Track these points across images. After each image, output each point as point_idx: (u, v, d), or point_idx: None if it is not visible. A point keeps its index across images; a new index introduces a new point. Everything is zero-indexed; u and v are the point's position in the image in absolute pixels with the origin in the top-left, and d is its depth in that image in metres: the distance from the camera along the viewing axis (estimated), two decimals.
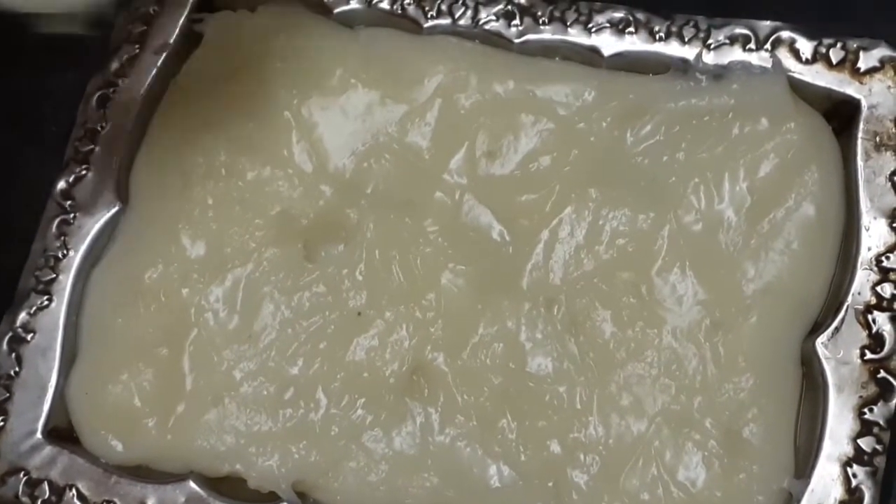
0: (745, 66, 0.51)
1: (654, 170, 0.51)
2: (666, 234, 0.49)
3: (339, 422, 0.49)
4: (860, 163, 0.49)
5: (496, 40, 0.54)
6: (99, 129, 0.56)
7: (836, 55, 0.50)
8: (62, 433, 0.52)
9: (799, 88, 0.50)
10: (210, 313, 0.52)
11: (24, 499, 0.50)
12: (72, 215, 0.54)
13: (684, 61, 0.51)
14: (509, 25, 0.54)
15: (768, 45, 0.51)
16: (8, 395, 0.52)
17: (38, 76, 0.61)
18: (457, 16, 0.54)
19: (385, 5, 0.55)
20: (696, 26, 0.52)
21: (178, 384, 0.51)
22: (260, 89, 0.55)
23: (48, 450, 0.51)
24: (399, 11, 0.55)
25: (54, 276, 0.53)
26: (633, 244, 0.50)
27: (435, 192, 0.52)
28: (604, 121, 0.51)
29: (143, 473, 0.50)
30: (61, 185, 0.55)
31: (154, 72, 0.56)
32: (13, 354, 0.52)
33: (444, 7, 0.55)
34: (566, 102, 0.52)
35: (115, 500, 0.49)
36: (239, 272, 0.52)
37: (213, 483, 0.50)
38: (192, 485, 0.49)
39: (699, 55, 0.51)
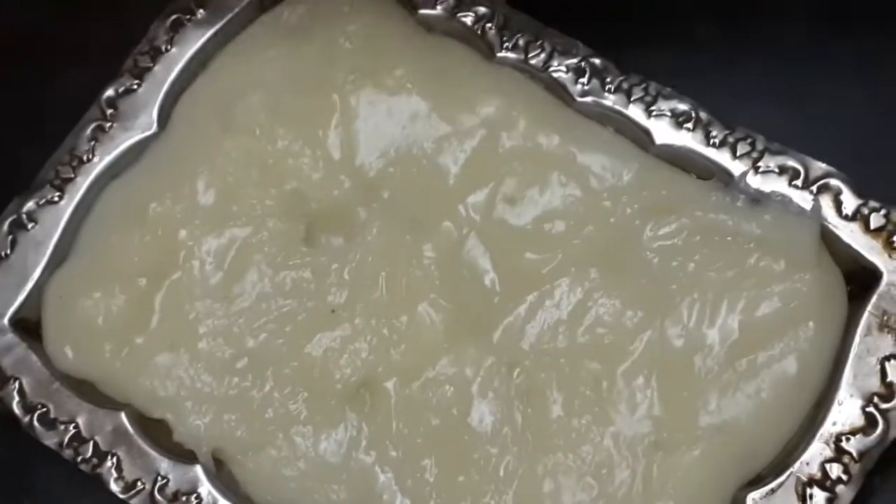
0: (785, 202, 0.50)
1: (659, 271, 0.50)
2: (646, 339, 0.49)
3: (276, 407, 0.50)
4: (858, 336, 0.48)
5: (559, 91, 0.54)
6: (164, 49, 0.57)
7: (875, 220, 0.49)
8: (28, 326, 0.54)
9: (829, 239, 0.50)
10: (197, 262, 0.53)
11: None
12: (109, 124, 0.56)
13: (729, 174, 0.51)
14: (576, 81, 0.54)
15: (814, 188, 0.50)
16: None
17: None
18: (530, 55, 0.55)
19: (468, 20, 0.56)
20: (752, 144, 0.51)
21: (144, 318, 0.52)
22: (318, 62, 0.56)
23: (9, 337, 0.53)
24: (478, 32, 0.56)
25: (73, 176, 0.55)
26: (611, 337, 0.50)
27: (444, 221, 0.52)
28: (630, 207, 0.51)
29: (86, 391, 0.52)
30: (109, 92, 0.57)
31: (232, 13, 0.58)
32: (10, 237, 0.55)
33: (521, 42, 0.55)
34: (601, 175, 0.52)
35: (50, 406, 0.51)
36: (237, 232, 0.53)
37: (144, 422, 0.51)
38: (123, 417, 0.51)
39: (745, 174, 0.51)
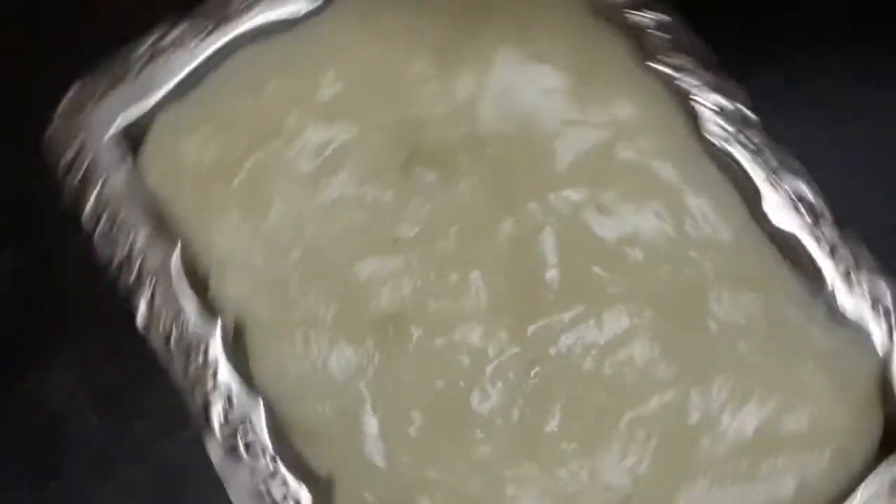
0: (861, 334, 0.49)
1: (711, 338, 0.49)
2: (666, 398, 0.48)
3: (307, 308, 0.51)
4: (871, 487, 0.46)
5: (694, 119, 0.53)
6: None
7: None
8: (135, 142, 0.56)
9: (887, 383, 0.48)
10: (296, 146, 0.54)
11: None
12: None
13: (821, 276, 0.50)
14: (715, 121, 0.52)
15: None
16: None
17: None
18: (682, 76, 0.54)
19: (638, 19, 0.55)
20: (854, 255, 0.50)
21: (227, 176, 0.54)
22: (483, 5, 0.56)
23: (113, 144, 0.55)
24: (645, 32, 0.55)
25: (223, 23, 0.57)
26: (635, 380, 0.49)
27: (534, 202, 0.52)
28: (714, 266, 0.50)
29: (154, 218, 0.54)
30: None
31: None
32: (147, 57, 0.57)
33: (678, 61, 0.54)
34: (699, 224, 0.51)
35: (119, 214, 0.54)
36: (343, 134, 0.54)
37: (189, 269, 0.53)
38: (176, 254, 0.52)
39: (834, 290, 0.49)
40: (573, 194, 0.52)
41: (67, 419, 0.56)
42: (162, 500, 0.54)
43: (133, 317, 0.53)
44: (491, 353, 0.50)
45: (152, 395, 0.54)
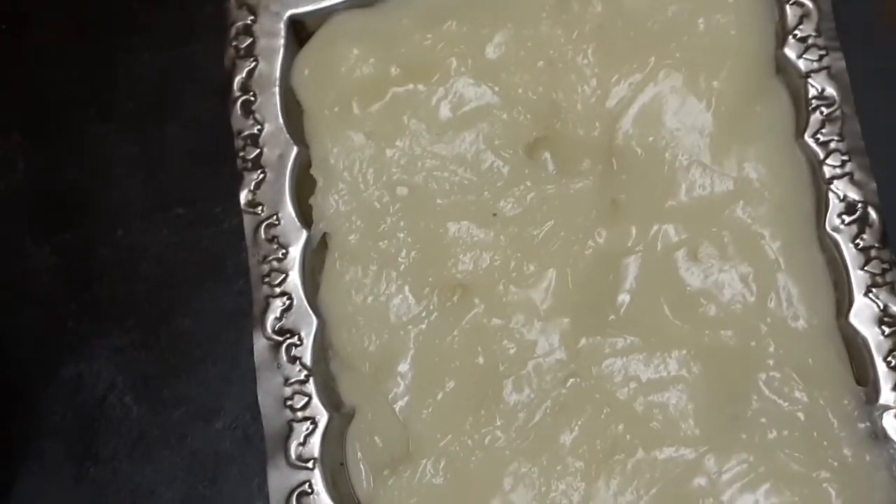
0: (893, 459, 0.50)
1: (748, 414, 0.52)
2: (680, 454, 0.51)
3: (389, 245, 0.56)
4: None
5: (821, 205, 0.55)
6: None
7: None
8: (301, 32, 0.60)
9: None
10: (442, 92, 0.58)
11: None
12: None
13: (881, 414, 0.51)
14: (839, 216, 0.54)
15: None
16: None
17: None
18: (830, 162, 0.55)
19: (812, 91, 0.56)
20: None
21: (369, 97, 0.58)
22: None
23: (280, 28, 0.59)
24: (810, 108, 0.55)
25: None
26: (662, 427, 0.52)
27: (633, 225, 0.55)
28: (778, 349, 0.52)
29: (290, 115, 0.58)
30: None
31: None
32: None
33: (834, 145, 0.55)
34: (781, 306, 0.53)
35: (257, 99, 0.58)
36: (487, 96, 0.57)
37: (302, 172, 0.57)
38: (294, 152, 0.57)
39: (884, 412, 0.51)
40: (674, 233, 0.55)
41: (107, 405, 0.61)
42: (197, 484, 0.60)
43: (174, 310, 0.60)
44: (538, 350, 0.54)
45: (189, 384, 0.61)
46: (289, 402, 0.53)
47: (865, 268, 0.53)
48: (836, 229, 0.54)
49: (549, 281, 0.55)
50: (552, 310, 0.54)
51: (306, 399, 0.53)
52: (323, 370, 0.55)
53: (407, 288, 0.55)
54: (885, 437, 0.51)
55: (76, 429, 0.61)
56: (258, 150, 0.58)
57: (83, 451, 0.60)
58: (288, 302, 0.55)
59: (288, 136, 0.58)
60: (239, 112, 0.59)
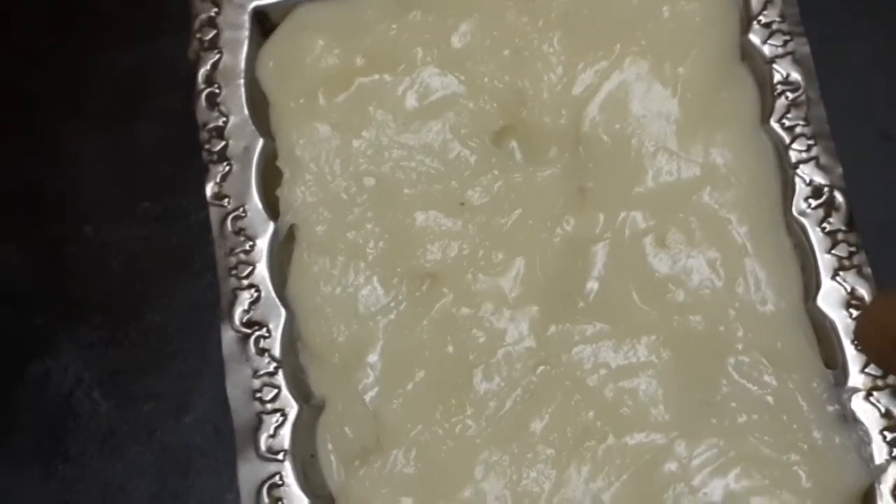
0: (863, 442, 0.51)
1: (716, 398, 0.53)
2: (651, 438, 0.52)
3: (357, 236, 0.56)
4: None
5: (788, 190, 0.56)
6: None
7: None
8: (264, 24, 0.61)
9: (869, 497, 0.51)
10: (408, 82, 0.58)
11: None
12: None
13: (849, 396, 0.52)
14: (806, 199, 0.55)
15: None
16: None
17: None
18: (796, 147, 0.56)
19: (777, 76, 0.57)
20: (884, 376, 0.52)
21: (334, 87, 0.58)
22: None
23: (244, 21, 0.60)
24: (775, 93, 0.57)
25: None
26: (630, 413, 0.53)
27: (601, 212, 0.56)
28: (747, 333, 0.53)
29: (256, 106, 0.59)
30: None
31: None
32: None
33: (799, 129, 0.56)
34: (749, 291, 0.54)
35: (222, 92, 0.58)
36: (452, 85, 0.58)
37: (268, 165, 0.58)
38: (260, 144, 0.58)
39: (853, 394, 0.52)
40: (641, 219, 0.56)
41: (75, 401, 0.61)
42: (168, 479, 0.60)
43: (142, 305, 0.61)
44: (508, 339, 0.54)
45: (158, 379, 0.61)
46: (258, 395, 0.54)
47: (832, 251, 0.54)
48: (802, 213, 0.55)
49: (518, 269, 0.55)
50: (521, 298, 0.55)
51: (276, 391, 0.54)
52: (292, 362, 0.55)
53: (375, 278, 0.56)
54: (854, 419, 0.52)
55: (44, 426, 0.61)
56: (224, 143, 0.58)
57: (52, 449, 0.60)
58: (256, 294, 0.55)
59: (254, 127, 0.58)
60: (204, 104, 0.59)
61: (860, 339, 0.51)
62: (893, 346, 0.45)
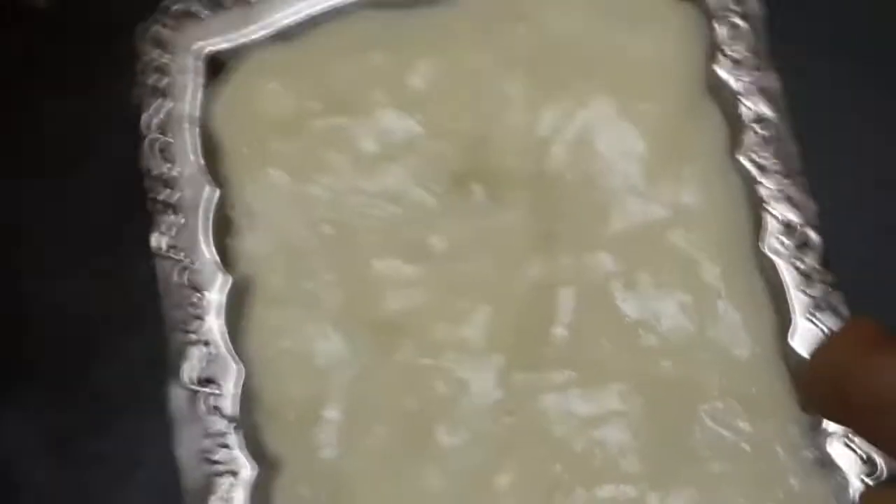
0: (841, 485, 0.49)
1: (687, 444, 0.50)
2: (624, 492, 0.50)
3: (315, 279, 0.54)
4: None
5: (758, 227, 0.54)
6: None
7: None
8: (216, 67, 0.59)
9: None
10: (367, 125, 0.56)
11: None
12: None
13: (825, 440, 0.50)
14: (779, 239, 0.53)
15: None
16: None
17: None
18: (765, 182, 0.54)
19: (743, 109, 0.55)
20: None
21: (289, 132, 0.56)
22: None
23: (190, 63, 0.58)
24: (743, 123, 0.55)
25: None
26: (601, 465, 0.50)
27: (567, 254, 0.54)
28: (720, 378, 0.51)
29: (208, 156, 0.57)
30: None
31: None
32: None
33: (769, 164, 0.54)
34: (720, 333, 0.52)
35: (179, 135, 0.57)
36: (414, 128, 0.56)
37: (220, 215, 0.56)
38: (216, 196, 0.56)
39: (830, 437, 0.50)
40: (609, 262, 0.54)
41: (15, 470, 0.58)
42: None
43: (87, 363, 0.58)
44: (472, 389, 0.52)
45: (105, 442, 0.58)
46: (209, 456, 0.51)
47: (807, 291, 0.52)
48: (775, 252, 0.53)
49: (483, 317, 0.53)
50: (486, 347, 0.53)
51: (228, 451, 0.52)
52: (246, 420, 0.53)
53: (334, 330, 0.54)
54: (832, 464, 0.50)
55: None
56: (171, 191, 0.56)
57: None
58: (206, 349, 0.53)
59: (204, 175, 0.57)
60: (151, 152, 0.57)
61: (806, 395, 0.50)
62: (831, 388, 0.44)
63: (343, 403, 0.53)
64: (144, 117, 0.57)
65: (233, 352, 0.53)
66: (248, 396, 0.53)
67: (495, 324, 0.53)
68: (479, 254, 0.54)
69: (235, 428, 0.52)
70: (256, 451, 0.52)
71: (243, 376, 0.53)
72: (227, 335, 0.53)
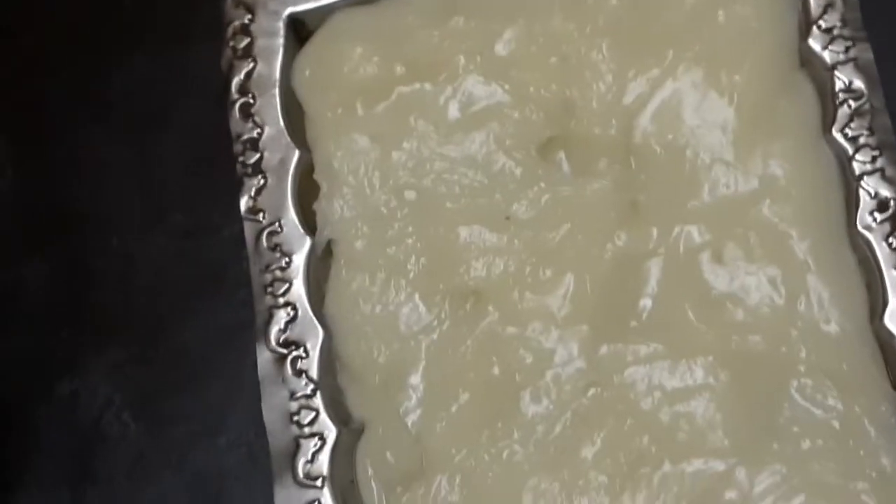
0: None
1: (779, 423, 0.50)
2: (709, 465, 0.50)
3: (399, 251, 0.54)
4: None
5: (851, 206, 0.53)
6: None
7: None
8: (300, 31, 0.59)
9: None
10: (450, 91, 0.56)
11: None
12: None
13: None
14: (871, 213, 0.52)
15: None
16: None
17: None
18: (861, 159, 0.53)
19: (838, 85, 0.54)
20: None
21: (374, 97, 0.57)
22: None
23: (279, 27, 0.58)
24: (836, 101, 0.54)
25: None
26: (688, 438, 0.50)
27: (654, 226, 0.54)
28: (809, 355, 0.51)
29: (293, 119, 0.57)
30: None
31: None
32: None
33: (863, 140, 0.54)
34: (811, 309, 0.52)
35: (256, 101, 0.57)
36: (498, 94, 0.56)
37: (305, 177, 0.56)
38: (296, 156, 0.56)
39: None
40: (697, 234, 0.53)
41: (104, 424, 0.60)
42: None
43: (174, 323, 0.59)
44: (556, 359, 0.52)
45: (190, 401, 0.59)
46: (295, 418, 0.52)
47: None
48: (867, 227, 0.53)
49: (567, 286, 0.53)
50: (570, 317, 0.53)
51: (314, 414, 0.52)
52: (330, 383, 0.53)
53: (417, 296, 0.54)
54: None
55: (72, 449, 0.59)
56: (258, 155, 0.56)
57: (80, 473, 0.59)
58: (292, 313, 0.53)
59: (289, 139, 0.57)
60: (237, 115, 0.57)
61: None
62: None
63: (427, 369, 0.53)
64: (230, 80, 0.57)
65: (318, 315, 0.53)
66: (331, 360, 0.54)
67: (580, 294, 0.53)
68: (564, 223, 0.54)
69: (321, 391, 0.52)
70: (340, 414, 0.53)
71: (328, 340, 0.53)
72: (312, 299, 0.54)
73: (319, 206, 0.56)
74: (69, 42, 0.66)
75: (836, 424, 0.50)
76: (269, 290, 0.54)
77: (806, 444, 0.50)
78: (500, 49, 0.57)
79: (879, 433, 0.50)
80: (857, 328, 0.52)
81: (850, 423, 0.50)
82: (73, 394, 0.60)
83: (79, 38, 0.66)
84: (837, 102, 0.55)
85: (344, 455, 0.52)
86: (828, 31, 0.56)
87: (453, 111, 0.57)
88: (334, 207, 0.55)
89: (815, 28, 0.56)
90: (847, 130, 0.54)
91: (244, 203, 0.56)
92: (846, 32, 0.56)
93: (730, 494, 0.50)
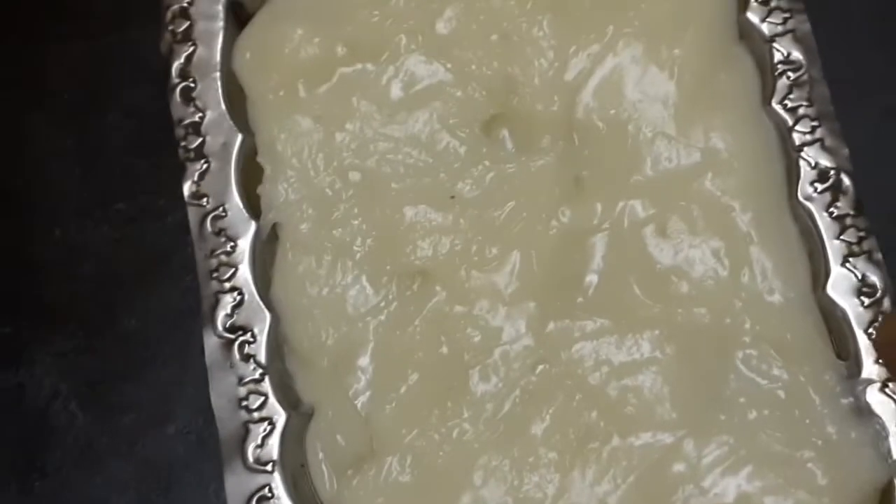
0: (880, 435, 0.49)
1: (724, 394, 0.51)
2: (658, 438, 0.50)
3: (344, 233, 0.54)
4: None
5: (793, 175, 0.54)
6: None
7: None
8: (239, 14, 0.59)
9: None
10: (392, 70, 0.56)
11: None
12: None
13: (864, 388, 0.50)
14: (812, 184, 0.53)
15: None
16: None
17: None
18: (800, 129, 0.54)
19: (777, 56, 0.55)
20: None
21: (315, 79, 0.57)
22: None
23: (217, 10, 0.58)
24: (776, 73, 0.55)
25: None
26: (636, 412, 0.51)
27: (598, 202, 0.54)
28: (754, 325, 0.52)
29: (233, 99, 0.57)
30: None
31: None
32: None
33: (802, 110, 0.54)
34: (755, 280, 0.52)
35: (197, 85, 0.56)
36: (439, 73, 0.56)
37: (247, 162, 0.56)
38: (238, 140, 0.56)
39: (868, 385, 0.50)
40: (641, 208, 0.54)
41: (52, 414, 0.59)
42: (150, 493, 0.58)
43: (119, 310, 0.58)
44: (504, 337, 0.53)
45: (137, 389, 0.58)
46: (244, 403, 0.51)
47: (841, 237, 0.52)
48: (808, 198, 0.53)
49: (513, 264, 0.53)
50: (517, 294, 0.53)
51: (262, 399, 0.52)
52: (279, 368, 0.53)
53: (364, 277, 0.54)
54: (870, 412, 0.50)
55: (19, 440, 0.59)
56: (201, 139, 0.56)
57: (28, 464, 0.58)
58: (239, 297, 0.53)
59: (231, 123, 0.56)
60: (179, 99, 0.57)
61: (882, 356, 0.50)
62: None
63: (375, 351, 0.53)
64: (171, 64, 0.57)
65: (264, 299, 0.53)
66: (279, 344, 0.53)
67: (526, 271, 0.53)
68: (509, 201, 0.54)
69: (269, 375, 0.52)
70: (289, 398, 0.53)
71: (275, 324, 0.53)
72: (258, 283, 0.54)
73: (264, 190, 0.56)
74: (6, 26, 0.65)
75: (781, 394, 0.51)
76: (215, 275, 0.54)
77: (752, 415, 0.51)
78: (442, 28, 0.57)
79: (824, 401, 0.50)
80: (800, 298, 0.52)
81: (796, 393, 0.51)
82: (19, 386, 0.59)
83: (17, 22, 0.65)
84: (776, 74, 0.55)
85: (294, 439, 0.52)
86: (765, 3, 0.56)
87: (396, 91, 0.57)
88: (278, 190, 0.55)
89: (752, 1, 0.56)
90: (786, 102, 0.55)
91: (187, 188, 0.55)
92: (783, 4, 0.56)
93: (678, 467, 0.50)
